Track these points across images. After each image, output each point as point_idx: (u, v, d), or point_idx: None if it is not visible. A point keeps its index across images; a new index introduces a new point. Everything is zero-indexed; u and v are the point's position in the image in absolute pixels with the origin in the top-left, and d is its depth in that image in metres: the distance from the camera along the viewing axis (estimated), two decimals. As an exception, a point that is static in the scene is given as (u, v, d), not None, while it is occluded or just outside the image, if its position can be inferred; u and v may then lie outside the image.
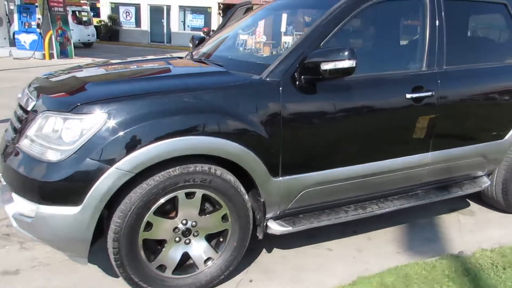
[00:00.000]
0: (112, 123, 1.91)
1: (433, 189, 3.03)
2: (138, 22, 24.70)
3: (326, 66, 2.18)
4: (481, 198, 3.50)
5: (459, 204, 3.59)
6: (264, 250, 2.79)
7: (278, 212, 2.46)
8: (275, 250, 2.80)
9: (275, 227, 2.45)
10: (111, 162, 1.88)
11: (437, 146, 2.79)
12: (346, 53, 2.15)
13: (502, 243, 2.80)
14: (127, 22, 24.77)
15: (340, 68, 2.17)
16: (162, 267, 2.20)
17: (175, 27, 24.30)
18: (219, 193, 2.19)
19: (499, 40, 3.22)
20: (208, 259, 2.31)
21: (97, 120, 1.91)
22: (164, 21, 24.60)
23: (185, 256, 2.26)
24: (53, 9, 13.92)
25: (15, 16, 14.99)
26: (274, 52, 3.52)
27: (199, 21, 24.08)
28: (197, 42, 3.65)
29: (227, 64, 2.61)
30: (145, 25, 24.59)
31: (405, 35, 2.83)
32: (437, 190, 3.03)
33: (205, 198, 2.21)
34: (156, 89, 2.10)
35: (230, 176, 2.20)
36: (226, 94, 2.16)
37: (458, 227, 3.20)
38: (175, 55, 3.34)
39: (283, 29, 3.38)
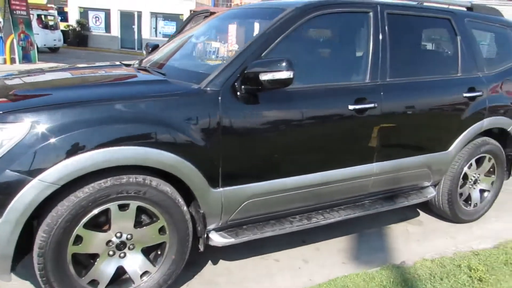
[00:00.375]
0: (36, 133, 1.83)
1: (379, 199, 3.06)
2: (108, 27, 24.27)
3: (265, 77, 2.17)
4: (429, 208, 3.57)
5: (408, 213, 3.65)
6: (209, 262, 2.74)
7: (220, 223, 2.42)
8: (220, 262, 2.76)
9: (217, 239, 2.41)
10: (33, 173, 1.80)
11: (381, 157, 2.82)
12: (284, 64, 2.15)
13: (444, 253, 2.85)
14: (96, 27, 24.29)
15: (278, 79, 2.17)
16: (94, 282, 2.12)
17: (146, 33, 24.01)
18: (155, 205, 2.14)
19: (444, 54, 3.31)
20: (145, 273, 2.24)
21: (19, 130, 1.82)
22: (135, 27, 24.27)
23: (121, 270, 2.19)
24: (15, 12, 13.50)
25: (-25, 19, 14.46)
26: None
27: (170, 27, 23.87)
28: (150, 49, 3.59)
29: (171, 72, 2.56)
30: (115, 31, 24.19)
31: (350, 47, 2.85)
32: (384, 200, 3.06)
33: (141, 210, 2.15)
34: (87, 98, 2.03)
35: (167, 187, 2.15)
36: (161, 103, 2.11)
37: (405, 237, 3.25)
38: (126, 62, 3.25)
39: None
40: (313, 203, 2.71)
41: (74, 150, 1.86)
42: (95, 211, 2.00)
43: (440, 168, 3.18)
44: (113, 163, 1.94)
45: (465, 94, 3.12)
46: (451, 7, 3.36)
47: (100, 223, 2.09)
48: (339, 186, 2.70)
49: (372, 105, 2.65)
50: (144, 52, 3.71)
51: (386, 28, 2.79)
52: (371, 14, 2.76)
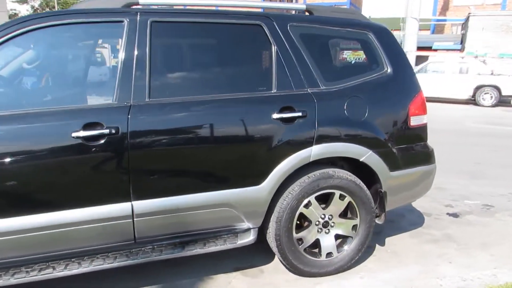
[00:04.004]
0: None
1: (169, 245, 2.51)
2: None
3: None
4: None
5: (256, 261, 3.00)
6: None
7: None
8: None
9: None
10: None
11: (142, 194, 2.31)
12: None
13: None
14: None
15: None
16: None
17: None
18: None
19: (250, 68, 2.69)
20: None
21: None
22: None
23: None
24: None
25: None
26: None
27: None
28: None
29: None
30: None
31: (88, 64, 2.43)
32: (171, 247, 2.50)
33: None
34: None
35: None
36: None
37: (215, 292, 2.63)
38: None
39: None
40: (46, 251, 2.26)
41: None
42: None
43: (250, 207, 2.55)
44: None
45: (274, 116, 2.50)
46: (285, 11, 2.79)
47: None
48: (76, 230, 2.24)
49: (108, 131, 2.19)
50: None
51: (149, 39, 2.33)
52: (125, 23, 2.33)
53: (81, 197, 2.22)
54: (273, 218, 2.64)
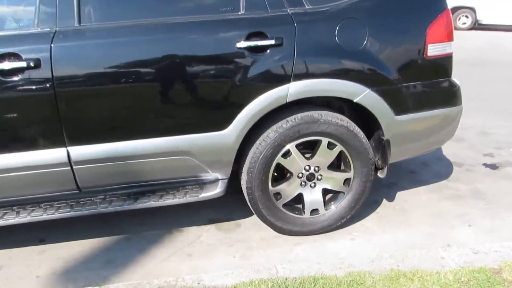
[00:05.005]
0: None
1: (121, 195, 2.21)
2: None
3: None
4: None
5: (236, 214, 2.65)
6: None
7: None
8: None
9: None
10: None
11: (78, 139, 1.98)
12: None
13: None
14: None
15: None
16: None
17: None
18: None
19: None
20: None
21: None
22: None
23: None
24: None
25: None
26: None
27: None
28: None
29: None
30: None
31: None
32: (124, 198, 2.20)
33: None
34: None
35: None
36: None
37: (179, 247, 2.34)
38: None
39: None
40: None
41: None
42: None
43: (213, 156, 2.15)
44: None
45: (239, 44, 1.98)
46: None
47: None
48: (8, 177, 1.98)
49: (25, 63, 1.81)
50: None
51: None
52: None
53: (6, 141, 1.93)
54: (244, 169, 2.23)
